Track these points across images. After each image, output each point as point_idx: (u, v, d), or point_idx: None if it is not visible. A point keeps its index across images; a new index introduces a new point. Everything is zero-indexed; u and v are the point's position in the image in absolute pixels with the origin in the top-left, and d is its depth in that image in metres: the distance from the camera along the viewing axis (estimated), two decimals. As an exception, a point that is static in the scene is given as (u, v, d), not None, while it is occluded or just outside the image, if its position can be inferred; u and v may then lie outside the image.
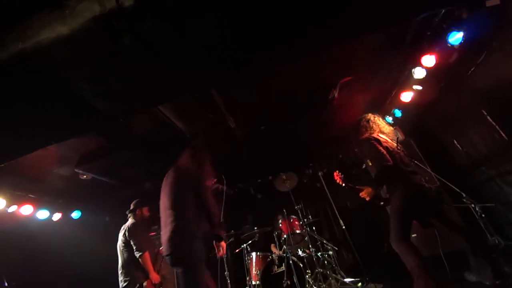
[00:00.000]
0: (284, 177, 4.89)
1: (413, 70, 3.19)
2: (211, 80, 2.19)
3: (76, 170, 3.68)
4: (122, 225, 3.38)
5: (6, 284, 3.65)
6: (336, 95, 3.54)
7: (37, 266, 4.27)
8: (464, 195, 2.47)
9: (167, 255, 1.96)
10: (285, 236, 4.44)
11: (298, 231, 4.42)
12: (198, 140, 3.74)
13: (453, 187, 2.61)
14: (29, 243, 4.23)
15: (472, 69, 3.05)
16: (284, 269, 3.85)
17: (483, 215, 2.42)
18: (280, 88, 3.28)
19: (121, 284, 3.05)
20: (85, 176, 3.90)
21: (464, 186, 2.70)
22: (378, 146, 2.47)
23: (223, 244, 2.23)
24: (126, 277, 3.03)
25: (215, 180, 2.76)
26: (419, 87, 3.43)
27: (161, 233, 2.07)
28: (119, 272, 3.12)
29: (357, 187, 2.69)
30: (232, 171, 3.74)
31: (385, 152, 2.42)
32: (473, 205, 2.44)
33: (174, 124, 3.34)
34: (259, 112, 3.71)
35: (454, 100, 3.51)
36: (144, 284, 2.99)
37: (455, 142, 3.68)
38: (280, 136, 4.48)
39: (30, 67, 1.60)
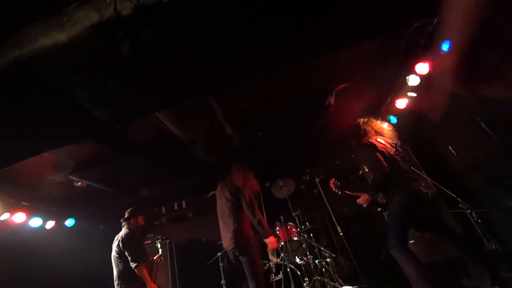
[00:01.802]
0: (281, 183, 4.87)
1: (407, 77, 3.25)
2: (209, 87, 2.21)
3: (71, 177, 3.64)
4: (116, 233, 3.32)
5: None
6: (332, 101, 3.58)
7: (30, 275, 4.16)
8: (460, 201, 2.49)
9: (231, 249, 2.71)
10: (282, 243, 4.40)
11: (295, 238, 4.38)
12: (196, 147, 3.74)
13: (449, 192, 2.63)
14: (22, 252, 4.14)
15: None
16: (281, 277, 3.81)
17: (479, 220, 2.43)
18: (276, 95, 3.31)
19: None
20: (79, 183, 3.86)
21: (460, 192, 2.71)
22: (375, 152, 2.48)
23: (270, 239, 2.86)
24: None
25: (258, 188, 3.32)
26: (414, 94, 3.49)
27: (223, 233, 2.89)
28: (115, 283, 3.05)
29: (354, 194, 2.70)
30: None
31: (382, 158, 2.43)
32: (469, 211, 2.45)
33: (171, 131, 3.33)
34: (256, 118, 3.73)
35: (448, 106, 3.57)
36: None
37: (450, 147, 3.72)
38: (277, 142, 4.50)
39: (26, 74, 1.59)
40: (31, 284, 4.11)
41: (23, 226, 3.97)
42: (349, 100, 3.68)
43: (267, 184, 5.14)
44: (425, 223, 2.46)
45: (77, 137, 2.34)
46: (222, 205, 2.94)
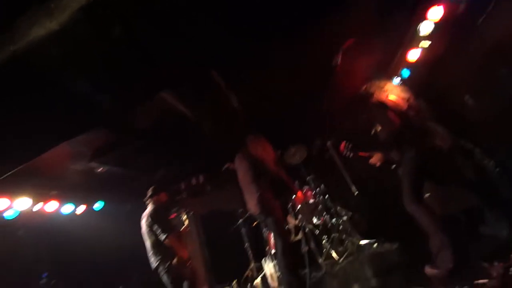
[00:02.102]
0: (293, 150, 4.90)
1: (419, 25, 3.00)
2: (208, 63, 2.15)
3: (90, 164, 3.80)
4: (142, 212, 3.55)
5: (45, 276, 3.97)
6: (339, 61, 3.40)
7: (69, 256, 4.59)
8: (477, 151, 2.43)
9: (258, 214, 2.90)
10: (299, 206, 4.56)
11: (311, 201, 4.52)
12: (205, 124, 3.75)
13: (466, 143, 2.56)
14: (59, 236, 4.52)
15: (482, 18, 2.84)
16: (301, 237, 4.02)
17: (497, 169, 2.39)
18: (281, 61, 3.18)
19: (153, 264, 3.29)
20: (100, 169, 4.03)
21: (478, 143, 2.65)
22: (386, 110, 2.40)
23: (299, 193, 3.37)
24: (157, 257, 3.27)
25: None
26: (427, 43, 3.25)
27: (248, 200, 3.03)
28: (149, 254, 3.34)
29: (366, 154, 2.67)
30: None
31: (393, 116, 2.35)
32: (486, 160, 2.41)
33: (180, 110, 3.33)
34: (262, 88, 3.64)
35: (464, 53, 3.33)
36: (174, 261, 3.20)
37: (467, 98, 3.54)
38: (285, 109, 4.43)
39: (24, 69, 1.59)
40: (69, 266, 4.55)
41: (56, 214, 4.28)
42: (358, 57, 3.48)
43: (279, 152, 5.17)
44: (441, 176, 2.44)
45: (86, 126, 2.39)
46: (244, 174, 3.08)
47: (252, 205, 2.94)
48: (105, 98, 1.92)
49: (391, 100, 2.51)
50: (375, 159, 2.56)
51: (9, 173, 2.51)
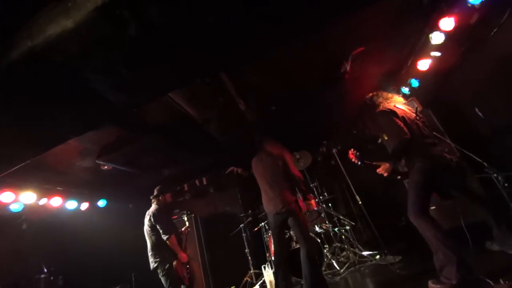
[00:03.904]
0: (298, 156, 4.88)
1: (430, 35, 2.99)
2: (220, 62, 2.16)
3: (97, 161, 3.84)
4: (145, 211, 3.55)
5: (45, 271, 3.99)
6: (348, 68, 3.40)
7: (70, 252, 4.63)
8: (486, 165, 2.38)
9: (281, 211, 2.84)
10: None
11: (314, 208, 4.48)
12: (211, 125, 3.77)
13: (475, 157, 2.51)
14: (61, 232, 4.56)
15: (494, 30, 2.82)
16: (302, 245, 3.97)
17: (506, 185, 2.33)
18: (289, 66, 3.19)
19: (152, 264, 3.27)
20: (106, 167, 4.07)
21: (486, 156, 2.59)
22: (395, 118, 2.35)
23: (312, 201, 3.30)
24: (156, 258, 3.24)
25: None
26: (438, 53, 3.23)
27: (269, 199, 3.00)
28: (149, 254, 3.33)
29: (374, 163, 2.62)
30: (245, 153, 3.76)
31: (402, 125, 2.31)
32: (495, 175, 2.35)
33: (187, 111, 3.36)
34: (270, 92, 3.65)
35: (475, 65, 3.29)
36: (174, 263, 3.19)
37: (477, 110, 3.49)
38: (291, 115, 4.43)
39: (41, 63, 1.63)
40: (72, 259, 4.58)
41: (61, 209, 4.34)
42: (367, 65, 3.47)
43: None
44: (448, 189, 2.39)
45: (97, 123, 2.42)
46: (265, 173, 3.08)
47: (275, 203, 2.91)
48: (119, 96, 1.95)
49: (399, 109, 2.49)
50: (383, 169, 2.48)
51: (18, 166, 2.55)
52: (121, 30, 1.53)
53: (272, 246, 4.18)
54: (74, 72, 1.73)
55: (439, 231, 2.07)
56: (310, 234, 3.24)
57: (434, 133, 2.56)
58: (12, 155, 2.41)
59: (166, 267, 3.17)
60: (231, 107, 3.58)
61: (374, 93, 2.73)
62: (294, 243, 4.06)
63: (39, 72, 1.67)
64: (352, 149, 2.89)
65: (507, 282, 1.57)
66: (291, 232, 4.18)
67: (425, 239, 2.16)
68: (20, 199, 3.72)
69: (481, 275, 1.84)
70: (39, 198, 3.93)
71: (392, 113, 2.41)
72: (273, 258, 4.13)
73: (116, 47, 1.64)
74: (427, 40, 3.05)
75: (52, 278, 4.08)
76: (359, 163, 2.79)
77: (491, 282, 1.63)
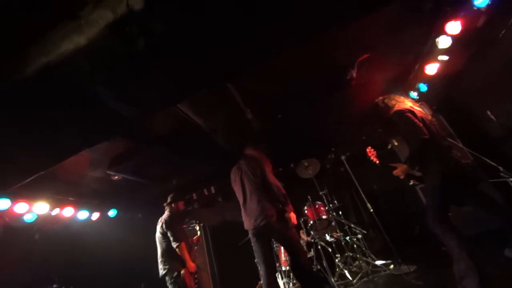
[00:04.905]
0: (306, 163, 4.85)
1: (437, 39, 2.97)
2: (226, 72, 2.20)
3: (107, 172, 3.91)
4: (154, 220, 3.58)
5: (56, 281, 4.04)
6: (354, 75, 3.40)
7: (80, 262, 4.66)
8: (501, 169, 2.30)
9: (259, 225, 2.51)
10: (311, 222, 4.45)
11: (324, 217, 4.40)
12: (218, 134, 3.80)
13: (489, 161, 2.44)
14: (72, 242, 4.62)
15: (503, 32, 2.78)
16: (313, 254, 3.89)
17: (523, 188, 2.25)
18: (295, 74, 3.21)
19: (161, 271, 3.28)
20: (116, 177, 4.14)
21: (500, 160, 2.51)
22: (414, 118, 2.26)
23: (291, 215, 2.68)
24: (165, 266, 3.25)
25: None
26: (445, 57, 3.20)
27: (247, 210, 2.69)
28: (159, 260, 3.34)
29: (390, 164, 2.52)
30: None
31: (421, 125, 2.21)
32: (511, 179, 2.27)
33: (194, 121, 3.41)
34: (276, 100, 3.67)
35: (485, 67, 3.24)
36: (182, 272, 3.18)
37: (489, 113, 3.41)
38: (299, 122, 4.43)
39: (55, 79, 1.69)
40: (84, 269, 4.61)
41: (73, 219, 4.41)
42: (373, 71, 3.47)
43: (292, 165, 5.14)
44: (464, 195, 2.29)
45: (108, 135, 2.49)
46: (245, 187, 2.80)
47: (253, 218, 2.60)
48: (127, 107, 2.00)
49: (417, 109, 2.42)
50: (399, 170, 2.35)
51: (30, 178, 2.62)
52: (130, 45, 1.58)
53: (282, 256, 4.11)
54: (85, 86, 1.79)
55: (459, 237, 1.97)
56: (303, 248, 2.89)
57: (446, 136, 2.49)
58: (26, 166, 2.49)
59: (174, 275, 3.17)
60: (237, 116, 3.61)
61: (386, 96, 2.67)
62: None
63: (52, 86, 1.74)
64: (369, 147, 2.82)
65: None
66: (301, 242, 4.11)
67: (446, 246, 2.04)
68: (34, 210, 3.80)
69: (501, 285, 1.75)
70: (51, 209, 4.01)
71: (410, 112, 2.32)
72: (283, 268, 4.06)
73: (124, 62, 1.70)
74: (434, 44, 3.04)
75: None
76: (378, 162, 2.71)
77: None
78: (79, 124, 2.09)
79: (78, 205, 4.50)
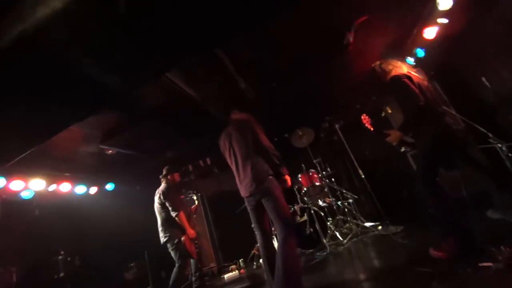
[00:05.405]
0: (300, 133, 4.87)
1: (437, 0, 2.83)
2: (214, 37, 2.07)
3: (101, 146, 3.87)
4: (152, 192, 3.65)
5: (62, 252, 4.20)
6: (351, 39, 3.26)
7: (84, 234, 4.85)
8: (490, 135, 2.36)
9: (254, 191, 2.35)
10: (305, 189, 4.61)
11: (317, 183, 4.56)
12: (211, 104, 3.72)
13: (479, 127, 2.49)
14: (74, 215, 4.74)
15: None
16: (306, 218, 4.09)
17: (509, 154, 2.33)
18: (289, 40, 3.07)
19: (162, 239, 3.43)
20: (110, 151, 4.11)
21: (491, 126, 2.56)
22: (410, 84, 2.23)
23: (287, 177, 2.54)
24: (166, 234, 3.39)
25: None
26: (445, 20, 3.07)
27: (241, 177, 2.51)
28: (159, 229, 3.48)
29: (384, 131, 2.50)
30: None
31: (417, 91, 2.19)
32: (499, 145, 2.34)
33: (186, 92, 3.30)
34: (269, 69, 3.55)
35: (483, 32, 3.14)
36: (182, 239, 3.33)
37: (484, 79, 3.39)
38: (292, 91, 4.34)
39: (33, 48, 1.57)
40: (86, 241, 4.80)
41: (71, 194, 4.47)
42: (370, 36, 3.33)
43: (286, 135, 5.15)
44: (452, 159, 2.37)
45: (96, 108, 2.40)
46: (236, 154, 2.58)
47: (245, 185, 2.44)
48: (114, 79, 1.91)
49: (414, 75, 2.37)
50: (392, 137, 2.39)
51: (22, 155, 2.58)
52: (110, 7, 1.46)
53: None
54: (65, 56, 1.68)
55: (446, 200, 2.09)
56: (291, 217, 2.74)
57: (441, 103, 2.49)
58: (15, 143, 2.42)
59: (175, 242, 3.32)
60: (230, 85, 3.51)
61: (383, 60, 2.58)
62: (299, 217, 4.19)
63: (31, 57, 1.62)
64: (364, 114, 2.81)
65: (508, 248, 1.61)
66: (295, 207, 4.29)
67: (433, 207, 2.16)
68: (30, 186, 3.81)
69: (483, 242, 1.90)
70: (48, 185, 4.03)
71: (407, 77, 2.27)
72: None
73: (106, 28, 1.57)
74: (434, 6, 2.89)
75: (69, 259, 4.31)
76: (372, 129, 2.73)
77: (493, 249, 1.68)
78: (63, 97, 1.99)
79: (75, 180, 4.53)
